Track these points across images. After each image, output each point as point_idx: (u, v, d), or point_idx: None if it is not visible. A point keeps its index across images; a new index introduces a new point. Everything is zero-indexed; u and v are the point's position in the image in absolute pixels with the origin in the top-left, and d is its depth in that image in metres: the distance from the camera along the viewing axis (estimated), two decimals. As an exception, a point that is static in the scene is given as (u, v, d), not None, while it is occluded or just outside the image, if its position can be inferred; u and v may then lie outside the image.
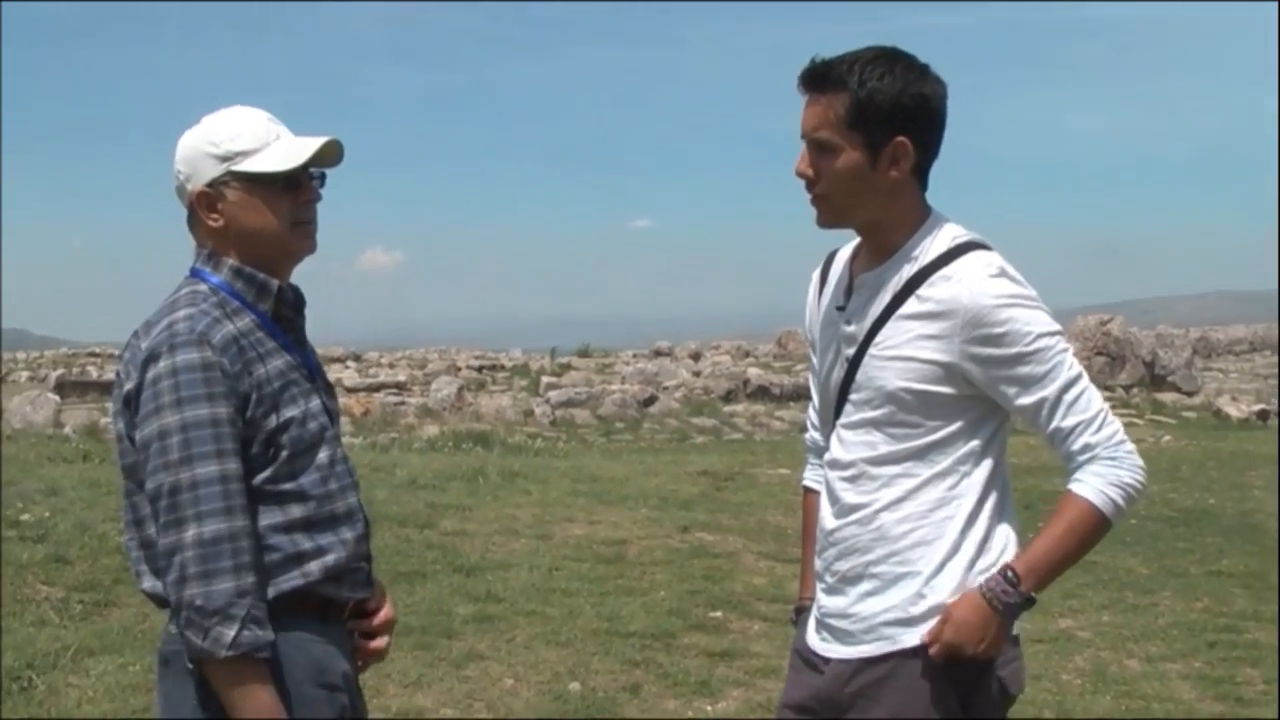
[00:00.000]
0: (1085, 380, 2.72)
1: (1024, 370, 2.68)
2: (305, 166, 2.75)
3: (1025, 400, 2.71)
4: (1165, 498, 12.99)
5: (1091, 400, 2.71)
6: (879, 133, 2.71)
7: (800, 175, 2.79)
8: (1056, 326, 2.72)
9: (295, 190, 2.75)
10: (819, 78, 2.73)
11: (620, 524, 10.73)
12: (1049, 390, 2.69)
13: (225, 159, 2.70)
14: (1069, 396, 2.69)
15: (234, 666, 2.50)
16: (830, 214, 2.82)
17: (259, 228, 2.72)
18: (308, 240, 2.81)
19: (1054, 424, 2.71)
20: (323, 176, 2.82)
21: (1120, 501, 2.69)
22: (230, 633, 2.47)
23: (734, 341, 33.15)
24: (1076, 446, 2.71)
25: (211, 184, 2.71)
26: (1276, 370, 27.87)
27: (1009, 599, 2.69)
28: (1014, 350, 2.67)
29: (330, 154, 2.79)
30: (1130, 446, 2.72)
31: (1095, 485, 2.69)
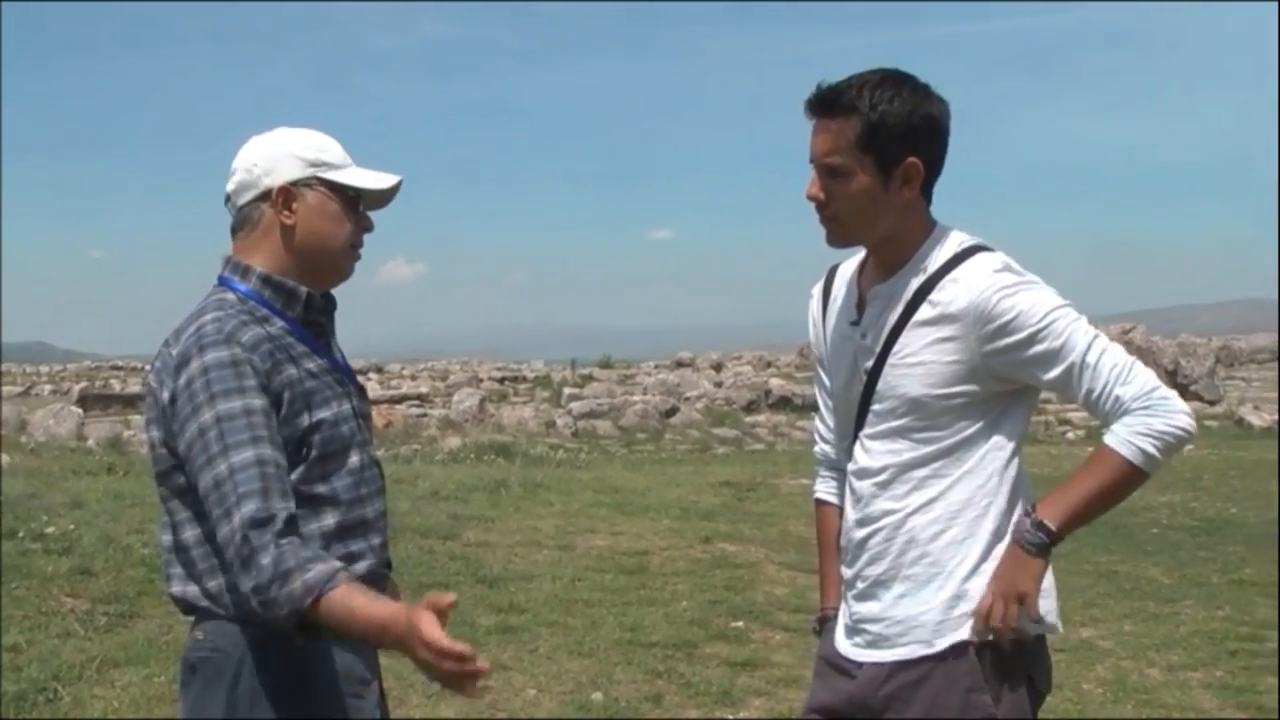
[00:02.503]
0: (1104, 340, 2.74)
1: (1041, 348, 2.72)
2: (383, 194, 2.86)
3: (1052, 374, 2.74)
4: (1187, 507, 12.96)
5: (1116, 357, 2.73)
6: (891, 154, 2.76)
7: (812, 199, 2.83)
8: (1062, 300, 2.76)
9: (357, 215, 2.84)
10: (828, 103, 2.77)
11: (642, 535, 10.76)
12: (1072, 359, 2.72)
13: (314, 165, 2.77)
14: (1091, 359, 2.71)
15: (327, 604, 2.42)
16: (842, 234, 2.86)
17: (329, 235, 2.79)
18: (352, 265, 2.88)
19: (1084, 388, 2.73)
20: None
21: (1150, 449, 2.69)
22: (296, 585, 2.43)
23: (755, 352, 33.19)
24: (1109, 405, 2.73)
25: (295, 183, 2.77)
26: (1277, 380, 27.75)
27: (1036, 539, 2.74)
28: (1026, 332, 2.71)
29: (390, 195, 2.89)
30: (1165, 393, 2.72)
31: (1121, 435, 2.71)
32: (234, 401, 2.54)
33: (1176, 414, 2.71)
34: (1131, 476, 2.74)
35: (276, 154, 2.78)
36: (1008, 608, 2.74)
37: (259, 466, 2.51)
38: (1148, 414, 2.70)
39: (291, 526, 2.50)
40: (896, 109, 2.73)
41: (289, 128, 2.86)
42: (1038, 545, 2.75)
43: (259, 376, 2.58)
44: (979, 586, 2.78)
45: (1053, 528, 2.74)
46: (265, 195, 2.78)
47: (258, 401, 2.56)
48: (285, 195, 2.76)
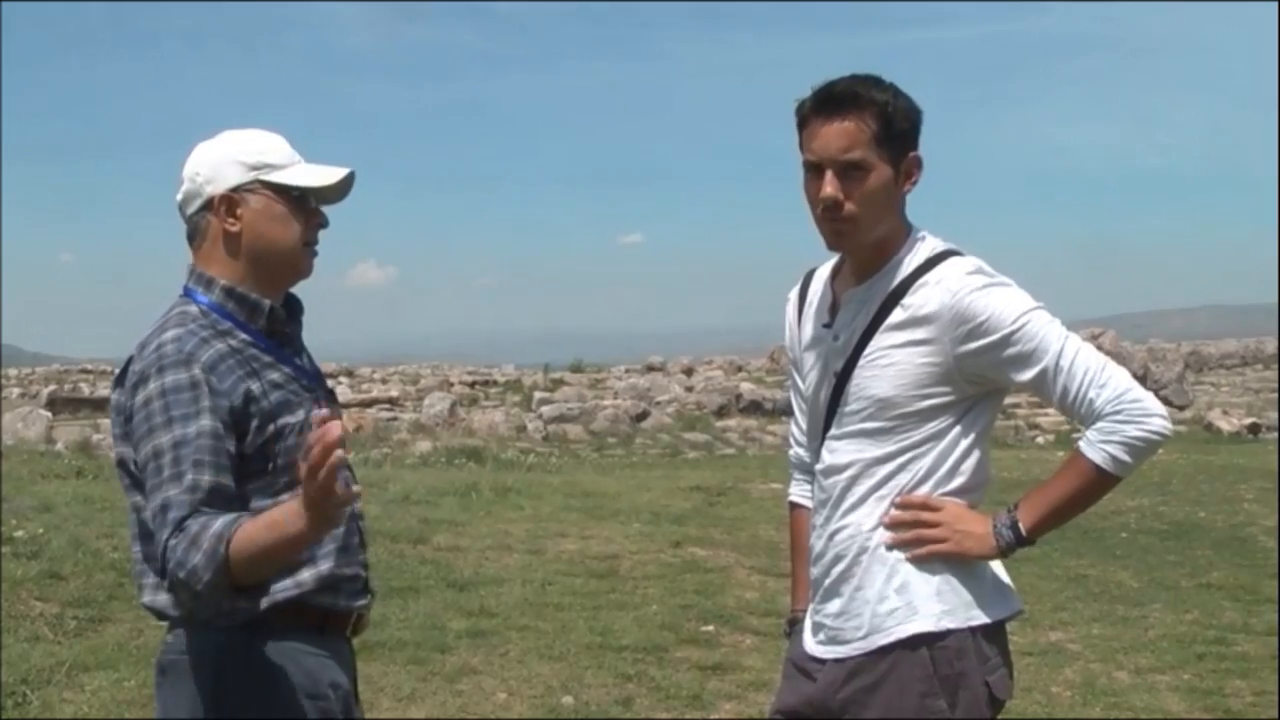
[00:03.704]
0: (1078, 342, 2.75)
1: (1015, 350, 2.73)
2: (335, 188, 2.84)
3: (1027, 376, 2.76)
4: (1156, 511, 13.02)
5: (1089, 360, 2.74)
6: (901, 149, 2.79)
7: (829, 199, 2.75)
8: (1036, 303, 2.77)
9: (308, 212, 2.82)
10: (845, 98, 2.74)
11: (613, 539, 10.75)
12: (1046, 361, 2.73)
13: (256, 168, 2.76)
14: (1064, 362, 2.73)
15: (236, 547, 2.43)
16: (855, 235, 2.81)
17: (277, 237, 2.78)
18: (310, 262, 2.86)
19: (1059, 391, 2.75)
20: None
21: (1123, 455, 2.72)
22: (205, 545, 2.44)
23: (726, 356, 33.16)
24: (1084, 409, 2.74)
25: (236, 189, 2.75)
26: (1276, 385, 27.95)
27: (1006, 537, 2.80)
28: (1000, 334, 2.72)
29: (343, 189, 2.87)
30: (1137, 395, 2.73)
31: (1093, 441, 2.74)
32: (189, 426, 2.55)
33: (1150, 417, 2.73)
34: (1104, 482, 2.78)
35: (218, 161, 2.77)
36: (929, 533, 2.80)
37: (191, 494, 2.51)
38: (1120, 419, 2.71)
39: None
40: (903, 105, 2.77)
41: (235, 130, 2.84)
42: (1004, 542, 2.81)
43: (216, 397, 2.59)
44: (924, 577, 2.82)
45: (1024, 531, 2.79)
46: (209, 204, 2.77)
47: (211, 424, 2.57)
48: (228, 203, 2.76)
